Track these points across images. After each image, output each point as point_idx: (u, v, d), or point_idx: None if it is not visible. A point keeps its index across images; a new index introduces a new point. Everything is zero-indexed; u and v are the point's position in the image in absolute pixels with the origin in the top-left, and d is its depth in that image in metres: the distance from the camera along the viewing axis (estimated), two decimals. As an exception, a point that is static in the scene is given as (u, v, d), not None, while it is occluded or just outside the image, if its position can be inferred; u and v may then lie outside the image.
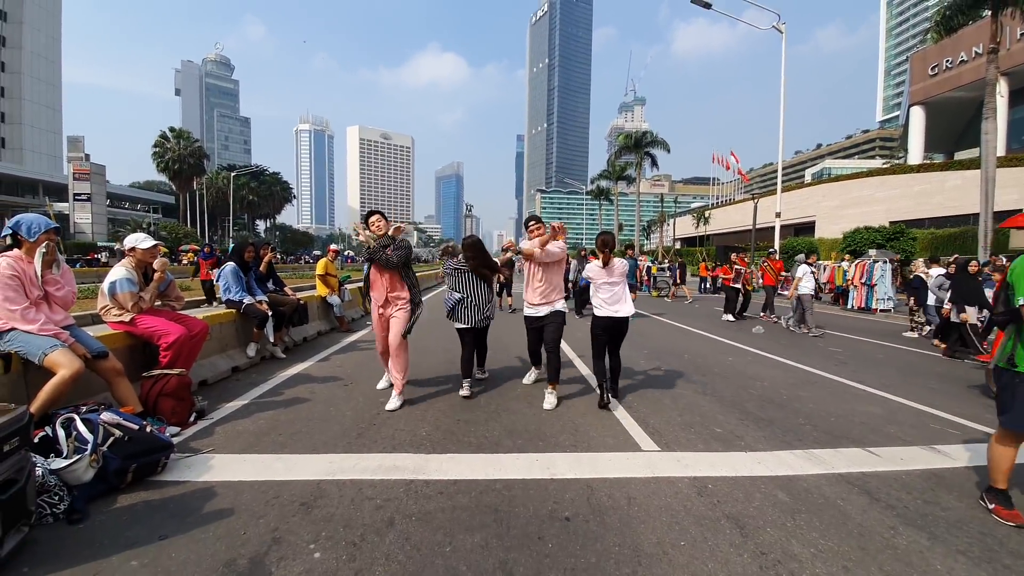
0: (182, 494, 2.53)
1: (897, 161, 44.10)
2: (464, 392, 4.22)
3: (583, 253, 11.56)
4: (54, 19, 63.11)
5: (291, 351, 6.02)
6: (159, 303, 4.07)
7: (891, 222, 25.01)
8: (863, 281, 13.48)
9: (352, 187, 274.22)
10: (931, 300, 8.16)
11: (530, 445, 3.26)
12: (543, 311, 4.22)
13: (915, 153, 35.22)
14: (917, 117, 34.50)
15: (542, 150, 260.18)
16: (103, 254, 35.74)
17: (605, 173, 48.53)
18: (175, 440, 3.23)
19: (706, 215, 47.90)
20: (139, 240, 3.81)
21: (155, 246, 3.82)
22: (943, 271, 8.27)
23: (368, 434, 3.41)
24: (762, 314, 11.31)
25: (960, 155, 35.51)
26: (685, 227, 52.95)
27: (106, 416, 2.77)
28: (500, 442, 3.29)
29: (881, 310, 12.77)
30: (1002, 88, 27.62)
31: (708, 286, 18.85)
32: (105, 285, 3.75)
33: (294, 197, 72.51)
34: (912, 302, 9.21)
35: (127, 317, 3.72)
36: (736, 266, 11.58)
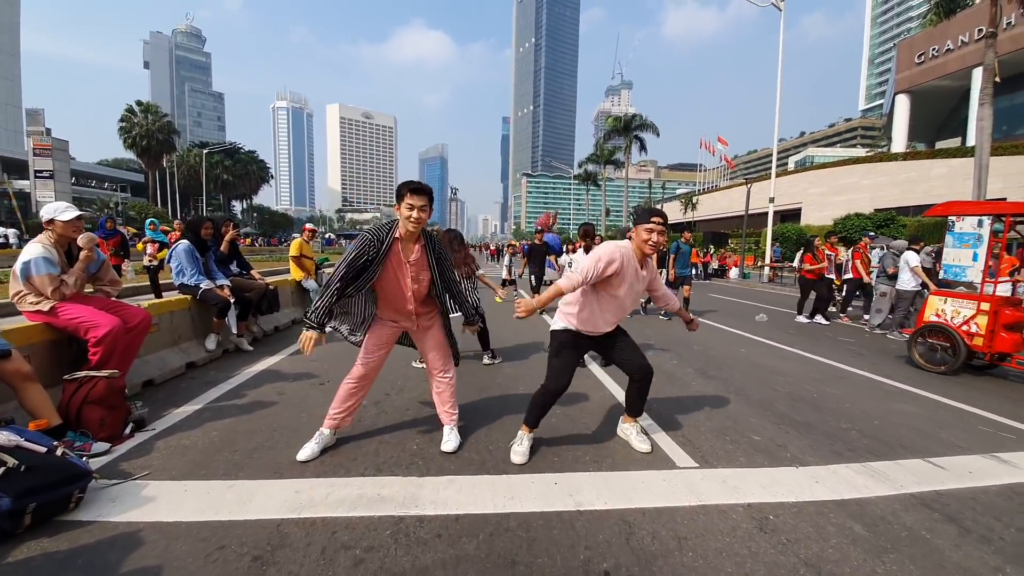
0: (97, 542, 1.91)
1: (880, 150, 44.46)
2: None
3: (687, 238, 8.56)
4: (8, -18, 58.56)
5: (260, 343, 5.33)
6: (89, 289, 3.37)
7: (876, 210, 25.08)
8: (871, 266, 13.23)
9: (333, 168, 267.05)
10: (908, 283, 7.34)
11: (544, 461, 2.72)
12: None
13: (899, 142, 35.38)
14: (902, 105, 34.56)
15: (528, 133, 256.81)
16: (10, 232, 27.57)
17: (593, 157, 47.81)
18: (103, 459, 2.59)
19: (694, 201, 47.77)
20: (59, 211, 3.09)
21: (78, 218, 3.10)
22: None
23: (347, 449, 2.81)
24: (842, 316, 9.22)
25: (940, 144, 35.85)
26: (672, 213, 52.79)
27: (0, 437, 2.11)
28: (508, 457, 2.73)
29: (880, 295, 12.55)
30: (985, 77, 27.79)
31: (699, 272, 18.62)
32: (18, 266, 3.04)
33: (272, 177, 69.82)
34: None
35: (46, 306, 3.02)
36: (828, 253, 9.37)
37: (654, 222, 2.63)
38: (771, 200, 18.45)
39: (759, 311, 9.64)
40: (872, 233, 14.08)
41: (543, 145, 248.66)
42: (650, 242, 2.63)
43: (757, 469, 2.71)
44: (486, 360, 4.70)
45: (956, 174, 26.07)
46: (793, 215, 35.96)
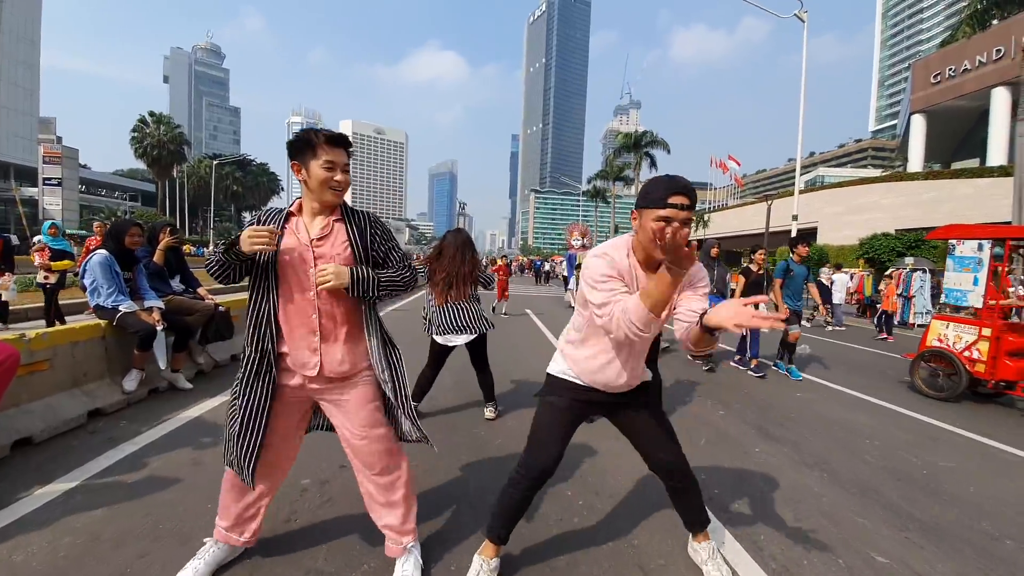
0: None
1: (895, 170, 43.33)
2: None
3: (715, 254, 5.87)
4: (32, -2, 60.03)
5: (207, 377, 4.32)
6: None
7: (897, 230, 23.98)
8: (899, 292, 12.12)
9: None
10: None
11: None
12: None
13: (915, 162, 34.50)
14: (918, 125, 33.81)
15: (537, 150, 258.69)
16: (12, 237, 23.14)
17: (602, 173, 47.21)
18: None
19: (705, 219, 46.85)
20: None
21: None
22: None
23: (256, 566, 1.80)
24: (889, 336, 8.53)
25: (957, 164, 34.91)
26: (682, 231, 51.86)
27: None
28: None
29: (919, 325, 11.41)
30: (1005, 97, 26.80)
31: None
32: None
33: (282, 189, 70.02)
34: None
35: None
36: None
37: (674, 204, 1.43)
38: (794, 218, 17.41)
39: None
40: (910, 258, 13.03)
41: (551, 162, 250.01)
42: (663, 238, 1.39)
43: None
44: (488, 413, 3.64)
45: (983, 194, 25.01)
46: (808, 234, 34.86)
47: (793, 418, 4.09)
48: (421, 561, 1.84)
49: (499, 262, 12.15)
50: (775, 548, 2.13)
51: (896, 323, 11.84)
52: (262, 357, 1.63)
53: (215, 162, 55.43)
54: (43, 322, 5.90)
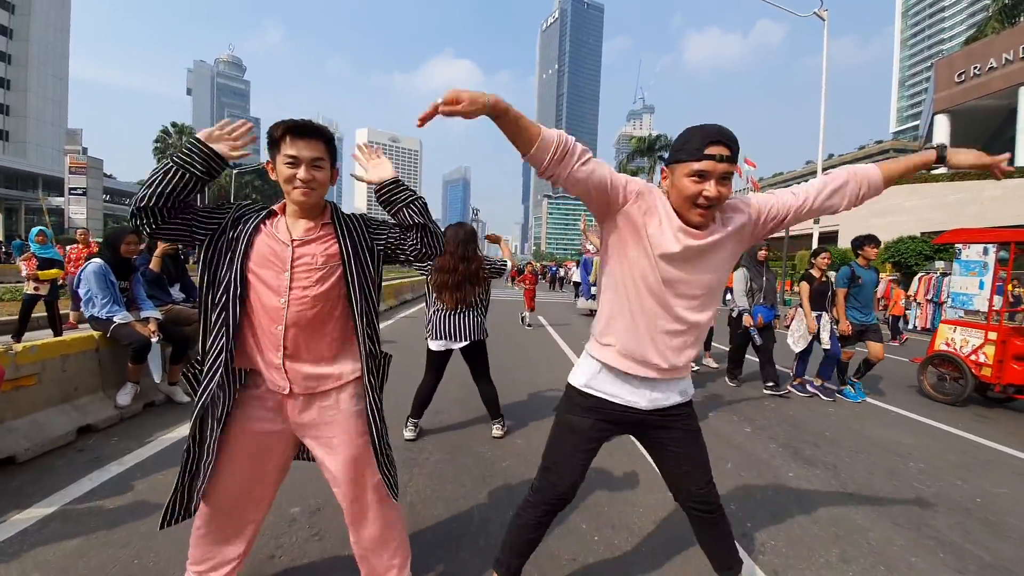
0: None
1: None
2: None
3: (763, 256, 5.17)
4: (63, 11, 62.43)
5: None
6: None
7: (922, 233, 23.12)
8: (929, 298, 11.58)
9: (360, 188, 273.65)
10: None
11: None
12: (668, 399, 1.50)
13: (938, 163, 33.38)
14: (942, 125, 32.70)
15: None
16: None
17: (616, 177, 46.74)
18: None
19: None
20: None
21: None
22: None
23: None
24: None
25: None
26: (698, 235, 51.15)
27: None
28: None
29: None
30: None
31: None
32: None
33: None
34: None
35: None
36: None
37: (711, 155, 1.23)
38: (816, 221, 16.88)
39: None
40: (940, 262, 12.47)
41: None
42: (701, 196, 1.26)
43: None
44: (496, 431, 3.42)
45: (1011, 196, 24.03)
46: (830, 237, 33.90)
47: (828, 437, 3.77)
48: None
49: (526, 270, 11.87)
50: (820, 597, 1.86)
51: (928, 327, 11.30)
52: (215, 373, 1.38)
53: (235, 171, 56.52)
54: (50, 332, 5.83)
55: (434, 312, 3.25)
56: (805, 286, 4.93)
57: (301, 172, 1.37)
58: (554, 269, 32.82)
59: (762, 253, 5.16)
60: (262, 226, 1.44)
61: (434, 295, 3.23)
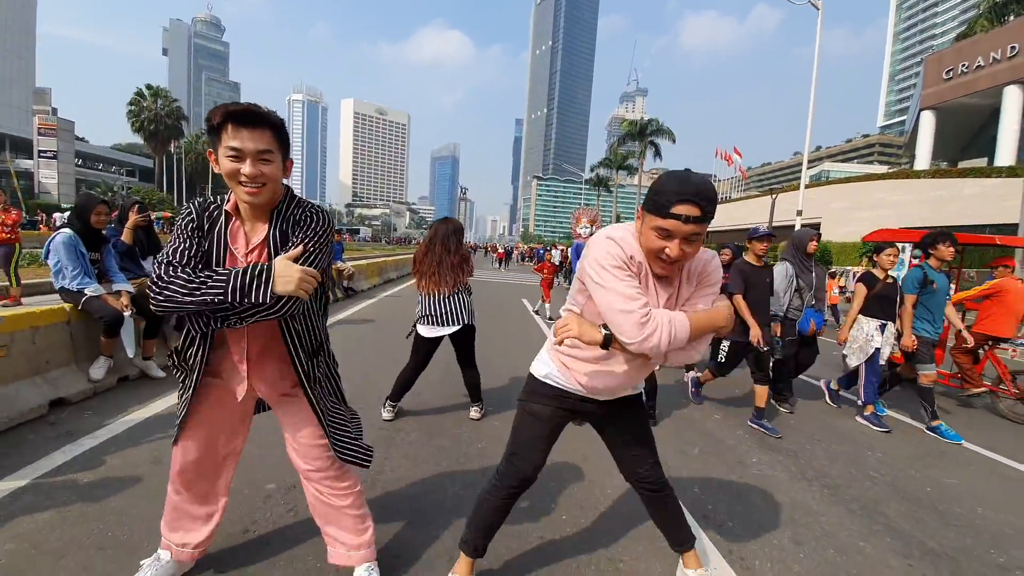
0: None
1: (902, 166, 42.82)
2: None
3: (814, 248, 4.30)
4: (26, -41, 58.47)
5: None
6: None
7: (904, 228, 23.70)
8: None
9: (344, 162, 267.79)
10: None
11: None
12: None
13: (923, 159, 33.95)
14: (927, 122, 33.15)
15: (540, 136, 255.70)
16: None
17: (606, 161, 46.61)
18: None
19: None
20: None
21: None
22: None
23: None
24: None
25: (964, 163, 34.39)
26: (685, 222, 51.45)
27: None
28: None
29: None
30: (1018, 96, 26.21)
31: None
32: None
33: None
34: None
35: None
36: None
37: (677, 215, 1.19)
38: (799, 213, 17.14)
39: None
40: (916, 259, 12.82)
41: (555, 149, 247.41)
42: (664, 252, 1.25)
43: None
44: (473, 414, 3.49)
45: (990, 194, 24.64)
46: (813, 229, 34.50)
47: (791, 425, 3.93)
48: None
49: (547, 258, 11.69)
50: (772, 571, 1.98)
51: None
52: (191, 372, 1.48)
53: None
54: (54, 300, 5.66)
55: (423, 297, 3.29)
56: (862, 288, 4.05)
57: (246, 167, 1.23)
58: (541, 252, 32.85)
59: (812, 245, 4.21)
60: (224, 234, 1.35)
61: (422, 281, 3.26)
